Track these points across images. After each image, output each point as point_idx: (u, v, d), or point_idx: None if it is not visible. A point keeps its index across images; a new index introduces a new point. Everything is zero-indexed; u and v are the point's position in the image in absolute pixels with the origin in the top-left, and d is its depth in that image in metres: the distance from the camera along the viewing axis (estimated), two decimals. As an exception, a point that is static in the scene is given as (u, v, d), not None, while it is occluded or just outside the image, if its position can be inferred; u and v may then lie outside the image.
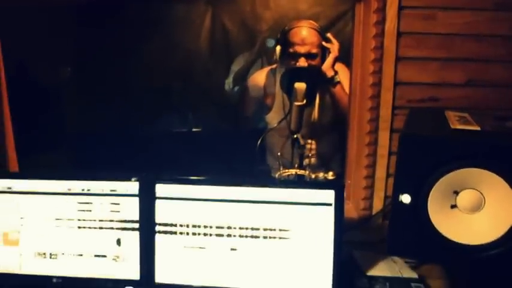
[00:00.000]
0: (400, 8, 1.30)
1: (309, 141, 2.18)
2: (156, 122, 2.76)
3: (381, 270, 1.40)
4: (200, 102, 2.95)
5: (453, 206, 1.00)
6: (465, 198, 1.00)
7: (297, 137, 1.64)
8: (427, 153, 0.97)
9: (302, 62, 1.98)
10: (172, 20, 2.94)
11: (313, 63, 1.98)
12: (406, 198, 1.01)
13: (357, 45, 1.41)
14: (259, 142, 1.74)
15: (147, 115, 2.77)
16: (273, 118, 2.15)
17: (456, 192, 1.00)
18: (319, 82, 2.07)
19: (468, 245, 0.99)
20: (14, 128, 1.74)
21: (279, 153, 1.80)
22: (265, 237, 1.24)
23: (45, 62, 2.54)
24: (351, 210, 1.54)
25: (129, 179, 1.30)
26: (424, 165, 0.98)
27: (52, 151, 2.24)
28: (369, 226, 1.54)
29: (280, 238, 1.24)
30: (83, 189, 1.31)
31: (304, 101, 1.64)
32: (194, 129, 2.68)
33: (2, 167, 1.64)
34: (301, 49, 1.99)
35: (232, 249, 1.26)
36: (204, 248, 1.27)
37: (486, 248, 0.97)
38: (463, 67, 1.35)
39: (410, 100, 1.36)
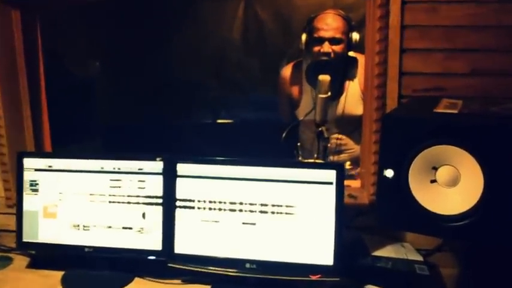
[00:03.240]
0: (404, 2, 1.64)
1: (338, 136, 2.52)
2: (187, 113, 3.18)
3: (386, 252, 1.73)
4: (233, 94, 3.36)
5: (433, 181, 1.33)
6: (443, 173, 1.32)
7: (321, 130, 1.99)
8: (406, 133, 1.29)
9: (326, 47, 2.31)
10: (204, 12, 3.37)
11: (337, 49, 2.32)
12: (389, 173, 1.34)
13: (367, 38, 1.76)
14: (284, 134, 2.10)
15: (179, 107, 3.21)
16: (301, 112, 2.51)
17: (435, 168, 1.32)
18: (346, 74, 2.42)
19: (445, 215, 1.31)
20: (49, 118, 2.21)
21: (298, 144, 2.15)
22: (273, 213, 1.62)
23: (80, 55, 3.04)
24: (363, 197, 1.87)
25: (154, 159, 1.72)
26: (404, 143, 1.30)
27: (84, 142, 2.71)
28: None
29: (286, 214, 1.61)
30: (114, 168, 1.74)
31: (329, 94, 1.99)
32: (225, 121, 3.08)
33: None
34: (326, 34, 2.33)
35: (243, 223, 1.64)
36: (218, 221, 1.66)
37: (460, 217, 1.28)
38: (467, 57, 1.67)
39: (415, 89, 1.69)
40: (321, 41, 2.33)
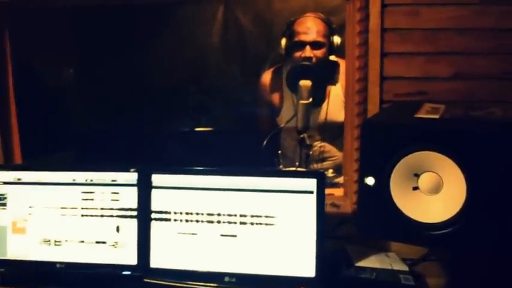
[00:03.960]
0: (384, 5, 1.66)
1: (321, 143, 2.54)
2: (165, 122, 3.18)
3: (371, 262, 1.74)
4: (212, 101, 3.36)
5: (415, 188, 1.34)
6: (426, 180, 1.33)
7: (303, 137, 2.01)
8: (386, 139, 1.31)
9: (308, 52, 2.33)
10: (182, 16, 3.37)
11: (318, 53, 2.33)
12: (370, 181, 1.36)
13: (348, 42, 1.78)
14: (265, 142, 2.11)
15: (156, 114, 3.20)
16: (282, 120, 2.52)
17: (417, 175, 1.33)
18: (327, 79, 2.44)
19: (427, 223, 1.32)
20: (19, 128, 2.19)
21: (279, 152, 2.16)
22: (252, 224, 1.62)
23: (51, 62, 3.02)
24: (346, 206, 1.88)
25: (128, 170, 1.71)
26: (384, 150, 1.31)
27: (57, 152, 2.69)
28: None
29: (266, 224, 1.62)
30: (86, 180, 1.73)
31: (311, 99, 2.01)
32: (203, 129, 3.08)
33: (9, 164, 2.09)
34: (307, 37, 2.35)
35: (222, 235, 1.64)
36: (195, 234, 1.66)
37: (442, 225, 1.29)
38: (449, 60, 1.69)
39: (397, 94, 1.71)
40: (302, 45, 2.35)
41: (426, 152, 1.30)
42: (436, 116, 1.37)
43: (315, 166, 2.46)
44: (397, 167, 1.32)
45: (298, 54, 2.34)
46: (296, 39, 2.35)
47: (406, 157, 1.31)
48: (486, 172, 1.24)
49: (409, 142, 1.30)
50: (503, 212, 1.24)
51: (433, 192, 1.32)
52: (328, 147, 2.54)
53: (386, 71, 1.71)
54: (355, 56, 1.67)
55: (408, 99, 1.70)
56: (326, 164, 2.52)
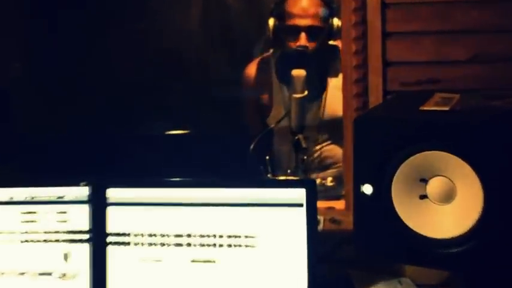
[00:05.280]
0: (384, -25, 1.70)
1: (321, 147, 2.57)
2: (130, 123, 3.18)
3: (381, 292, 1.77)
4: (190, 98, 3.37)
5: (422, 197, 1.37)
6: (435, 186, 1.35)
7: (298, 139, 2.03)
8: (384, 138, 1.34)
9: (303, 40, 2.37)
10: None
11: (314, 44, 2.37)
12: (367, 189, 1.38)
13: (343, 21, 1.81)
14: (252, 146, 2.14)
15: (121, 116, 3.20)
16: (273, 118, 2.54)
17: (424, 180, 1.36)
18: (326, 66, 2.48)
19: (437, 240, 1.34)
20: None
21: (267, 157, 2.19)
22: (229, 246, 1.64)
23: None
24: (349, 222, 1.90)
25: (77, 184, 1.73)
26: (382, 151, 1.34)
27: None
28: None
29: (246, 246, 1.63)
30: (26, 197, 1.75)
31: (306, 92, 2.04)
32: (178, 132, 3.10)
33: None
34: (301, 21, 2.37)
35: (193, 260, 1.66)
36: (161, 260, 1.67)
37: (454, 242, 1.30)
38: (466, 40, 1.72)
39: (404, 83, 1.74)
40: (295, 31, 2.37)
41: (434, 151, 1.32)
42: (446, 108, 1.39)
43: (317, 175, 2.48)
44: (399, 171, 1.34)
45: (291, 43, 2.37)
46: (289, 23, 2.37)
47: (410, 159, 1.33)
48: (507, 176, 1.26)
49: (413, 140, 1.32)
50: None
51: (444, 201, 1.34)
52: (331, 151, 2.57)
53: (390, 55, 1.73)
54: (352, 38, 1.71)
55: (417, 88, 1.73)
56: (330, 172, 2.54)
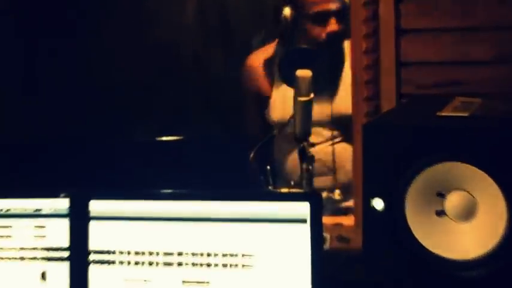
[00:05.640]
0: (398, -35, 1.65)
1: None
2: (119, 128, 3.16)
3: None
4: (184, 100, 3.35)
5: (440, 213, 1.31)
6: (454, 201, 1.30)
7: (303, 146, 1.98)
8: (397, 147, 1.28)
9: (333, 25, 2.31)
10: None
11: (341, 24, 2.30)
12: (378, 204, 1.33)
13: (352, 16, 1.76)
14: (252, 154, 2.09)
15: (108, 120, 3.18)
16: (273, 111, 2.52)
17: (441, 195, 1.30)
18: (336, 66, 2.43)
19: (456, 261, 1.28)
20: None
21: (268, 167, 2.14)
22: (224, 266, 1.58)
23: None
24: (358, 240, 1.84)
25: (56, 196, 1.68)
26: (394, 162, 1.28)
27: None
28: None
29: (243, 266, 1.57)
30: (0, 210, 1.70)
31: (311, 95, 1.99)
32: (172, 138, 3.06)
33: None
34: (331, 5, 2.32)
35: (184, 281, 1.60)
36: (149, 281, 1.61)
37: (475, 264, 1.25)
38: (490, 38, 1.67)
39: (420, 86, 1.69)
40: (324, 16, 2.33)
41: (453, 163, 1.27)
42: (466, 114, 1.34)
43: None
44: (413, 184, 1.29)
45: (317, 31, 2.32)
46: (316, 9, 2.32)
47: (426, 170, 1.28)
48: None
49: (429, 150, 1.27)
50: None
51: (463, 218, 1.29)
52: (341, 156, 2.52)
53: (405, 54, 1.69)
54: (362, 35, 1.66)
55: (435, 92, 1.68)
56: (323, 179, 2.50)
